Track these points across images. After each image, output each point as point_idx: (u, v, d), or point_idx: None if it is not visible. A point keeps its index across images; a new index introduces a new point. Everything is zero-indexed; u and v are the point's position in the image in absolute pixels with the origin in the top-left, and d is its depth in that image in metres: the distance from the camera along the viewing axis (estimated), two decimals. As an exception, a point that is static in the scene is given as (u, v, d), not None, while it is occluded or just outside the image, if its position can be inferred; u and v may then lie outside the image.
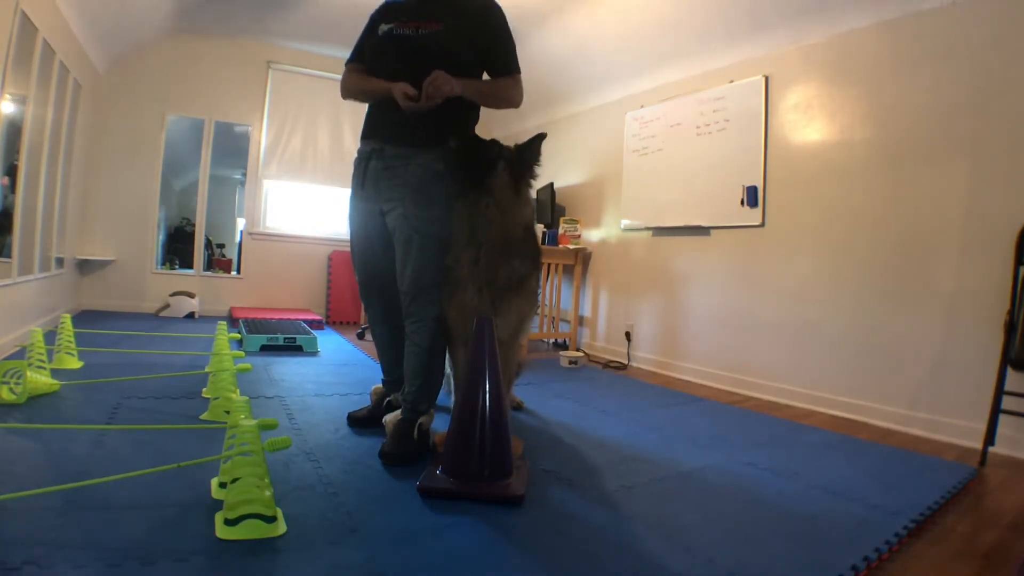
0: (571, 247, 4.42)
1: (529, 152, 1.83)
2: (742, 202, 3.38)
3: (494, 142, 1.82)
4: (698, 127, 3.69)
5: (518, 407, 2.53)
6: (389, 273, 1.89)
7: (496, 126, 5.78)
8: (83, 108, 4.19)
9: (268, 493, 1.26)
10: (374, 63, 1.83)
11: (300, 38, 5.09)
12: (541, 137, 1.85)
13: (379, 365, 2.17)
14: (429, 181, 1.78)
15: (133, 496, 1.36)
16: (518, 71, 1.87)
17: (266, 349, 3.52)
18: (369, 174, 1.84)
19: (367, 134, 1.87)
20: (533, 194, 1.93)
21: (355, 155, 1.94)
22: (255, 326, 3.81)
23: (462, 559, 1.22)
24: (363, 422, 2.09)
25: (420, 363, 1.84)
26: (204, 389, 2.36)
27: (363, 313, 5.03)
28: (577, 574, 1.20)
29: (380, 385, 2.18)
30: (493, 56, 1.83)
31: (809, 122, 3.11)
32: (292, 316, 4.67)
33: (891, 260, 2.70)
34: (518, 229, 1.84)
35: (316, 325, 4.57)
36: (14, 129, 2.94)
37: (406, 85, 1.67)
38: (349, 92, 1.90)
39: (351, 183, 1.94)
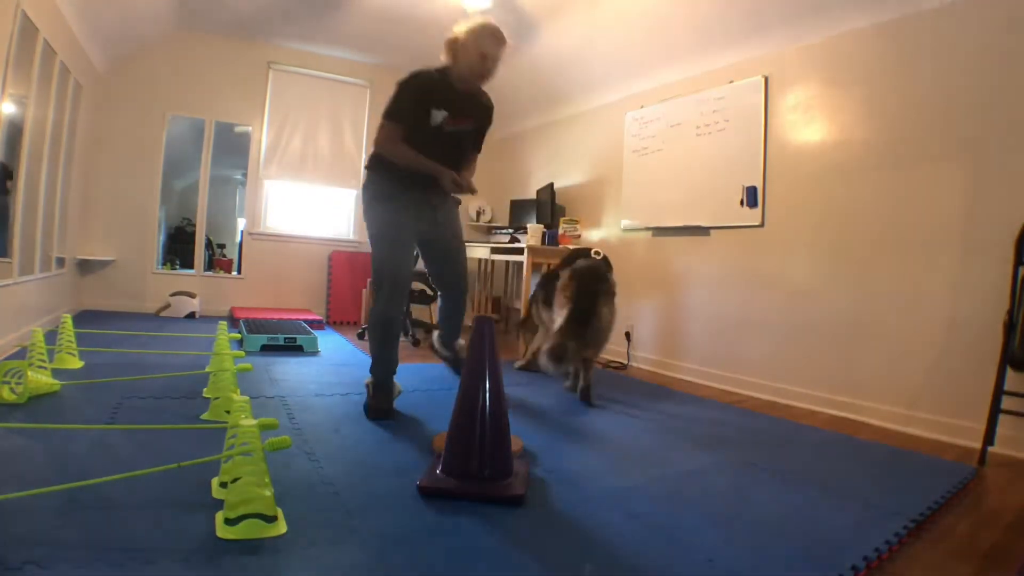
0: (571, 247, 4.41)
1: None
2: (742, 202, 3.38)
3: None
4: (698, 127, 3.69)
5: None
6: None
7: (497, 127, 5.75)
8: (84, 108, 4.19)
9: (268, 493, 1.26)
10: (427, 149, 2.22)
11: (300, 38, 5.08)
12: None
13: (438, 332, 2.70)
14: (457, 213, 2.55)
15: (133, 496, 1.36)
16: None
17: (266, 349, 3.52)
18: (425, 214, 2.34)
19: (409, 187, 2.27)
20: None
21: (381, 189, 2.28)
22: (256, 326, 3.81)
23: (462, 559, 1.22)
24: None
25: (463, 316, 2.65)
26: (205, 389, 2.35)
27: (363, 313, 5.03)
28: (577, 574, 1.20)
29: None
30: (481, 141, 2.48)
31: (809, 122, 3.11)
32: (292, 316, 4.67)
33: (891, 260, 2.70)
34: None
35: (316, 325, 4.57)
36: (15, 129, 2.94)
37: (454, 175, 2.21)
38: (401, 160, 2.22)
39: (392, 212, 2.26)
